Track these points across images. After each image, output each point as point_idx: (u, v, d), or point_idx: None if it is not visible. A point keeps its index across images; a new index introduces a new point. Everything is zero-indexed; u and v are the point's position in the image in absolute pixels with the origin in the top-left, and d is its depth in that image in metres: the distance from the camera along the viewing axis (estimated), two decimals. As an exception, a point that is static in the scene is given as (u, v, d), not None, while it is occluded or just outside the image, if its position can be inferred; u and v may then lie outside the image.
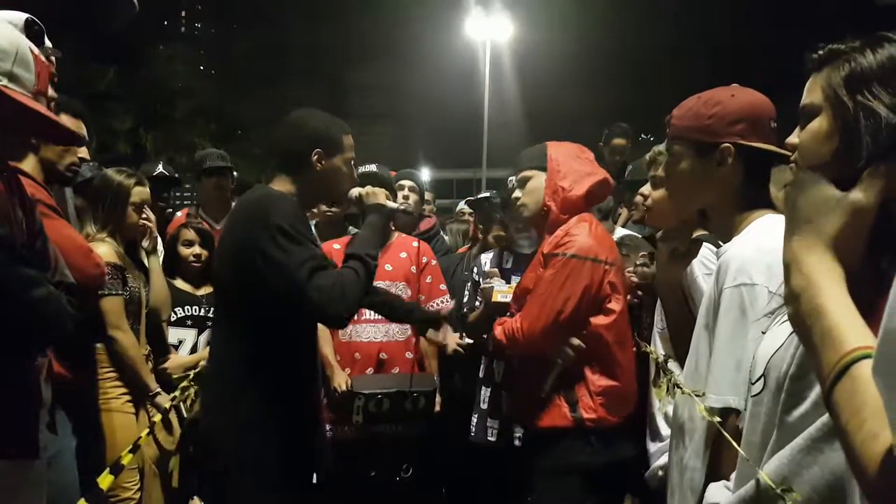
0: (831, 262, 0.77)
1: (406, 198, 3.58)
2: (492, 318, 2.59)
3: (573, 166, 2.44)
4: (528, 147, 2.62)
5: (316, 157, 2.11)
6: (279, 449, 1.99)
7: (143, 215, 2.95)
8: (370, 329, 3.07)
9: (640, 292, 2.52)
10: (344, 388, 2.93)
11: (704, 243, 1.87)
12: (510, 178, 2.78)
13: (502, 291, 2.80)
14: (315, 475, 2.20)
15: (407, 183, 3.68)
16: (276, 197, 2.04)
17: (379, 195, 2.26)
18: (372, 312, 3.07)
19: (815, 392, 0.89)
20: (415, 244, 3.24)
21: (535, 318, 2.32)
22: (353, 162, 2.23)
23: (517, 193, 2.52)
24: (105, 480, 2.12)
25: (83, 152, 2.46)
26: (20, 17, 1.61)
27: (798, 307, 0.77)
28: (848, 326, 0.71)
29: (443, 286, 3.32)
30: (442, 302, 3.28)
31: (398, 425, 2.96)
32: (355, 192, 2.28)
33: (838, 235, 0.79)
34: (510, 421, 2.83)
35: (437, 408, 3.06)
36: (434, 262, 3.30)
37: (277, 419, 2.00)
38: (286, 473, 2.00)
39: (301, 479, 2.07)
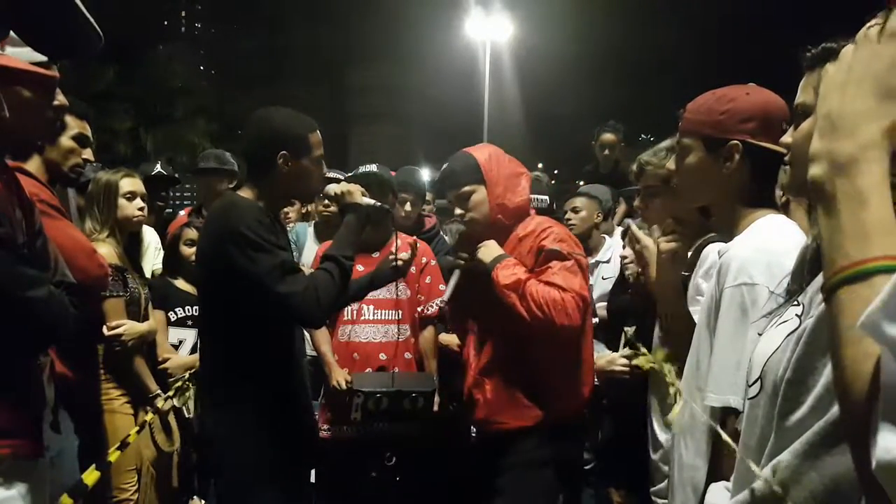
0: (888, 147, 0.67)
1: (408, 212, 3.59)
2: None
3: (504, 173, 2.48)
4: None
5: (282, 160, 2.08)
6: (269, 447, 2.04)
7: (139, 206, 2.95)
8: (368, 329, 3.06)
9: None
10: (343, 385, 2.94)
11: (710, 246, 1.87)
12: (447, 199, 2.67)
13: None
14: (311, 470, 2.23)
15: (408, 197, 3.67)
16: (240, 205, 2.04)
17: (354, 193, 2.24)
18: (370, 312, 3.06)
19: (813, 397, 0.89)
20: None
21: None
22: (322, 159, 2.20)
23: (460, 211, 2.50)
24: (90, 476, 2.13)
25: (88, 154, 2.46)
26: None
27: (833, 175, 0.67)
28: (886, 226, 0.64)
29: (442, 286, 3.32)
30: (441, 302, 3.28)
31: (396, 424, 2.96)
32: (331, 189, 2.27)
33: None
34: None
35: (436, 408, 3.06)
36: (434, 262, 3.30)
37: (264, 418, 2.04)
38: (278, 471, 2.04)
39: (294, 476, 2.11)
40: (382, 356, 3.05)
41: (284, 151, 2.08)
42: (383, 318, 3.07)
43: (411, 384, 2.93)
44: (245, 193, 2.12)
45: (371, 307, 3.06)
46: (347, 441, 2.96)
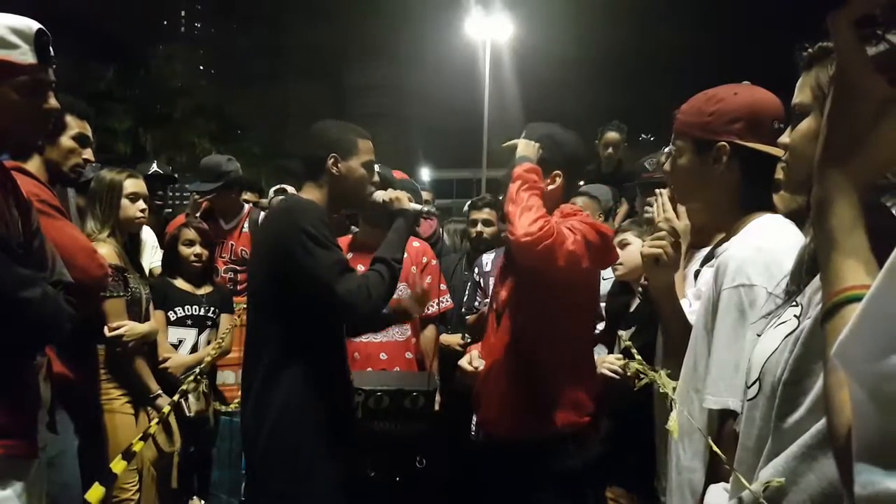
0: (852, 183, 0.73)
1: None
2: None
3: None
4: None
5: (332, 160, 2.22)
6: (312, 444, 2.09)
7: (141, 207, 2.93)
8: None
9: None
10: None
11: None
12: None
13: None
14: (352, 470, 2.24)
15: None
16: (303, 204, 2.18)
17: (402, 199, 2.35)
18: None
19: (810, 398, 0.89)
20: (415, 244, 3.25)
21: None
22: (372, 165, 2.32)
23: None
24: (118, 465, 2.12)
25: (88, 154, 2.46)
26: (31, 25, 1.59)
27: (815, 220, 0.76)
28: (853, 260, 0.71)
29: (443, 286, 3.33)
30: (443, 301, 3.28)
31: (397, 423, 2.95)
32: (379, 196, 2.35)
33: (881, 145, 0.72)
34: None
35: (437, 407, 3.06)
36: (434, 261, 3.31)
37: (310, 414, 2.10)
38: (319, 468, 2.08)
39: (334, 474, 2.13)
40: (383, 356, 3.06)
41: (334, 154, 2.22)
42: None
43: (412, 383, 2.93)
44: (305, 195, 2.25)
45: None
46: None
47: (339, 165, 2.22)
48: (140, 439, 2.41)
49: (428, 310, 3.23)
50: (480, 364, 2.36)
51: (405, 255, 3.19)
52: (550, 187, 2.25)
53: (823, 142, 0.76)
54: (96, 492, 2.00)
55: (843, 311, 0.68)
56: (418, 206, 2.41)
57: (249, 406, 2.18)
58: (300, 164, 2.33)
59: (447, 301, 3.30)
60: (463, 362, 2.43)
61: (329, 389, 2.16)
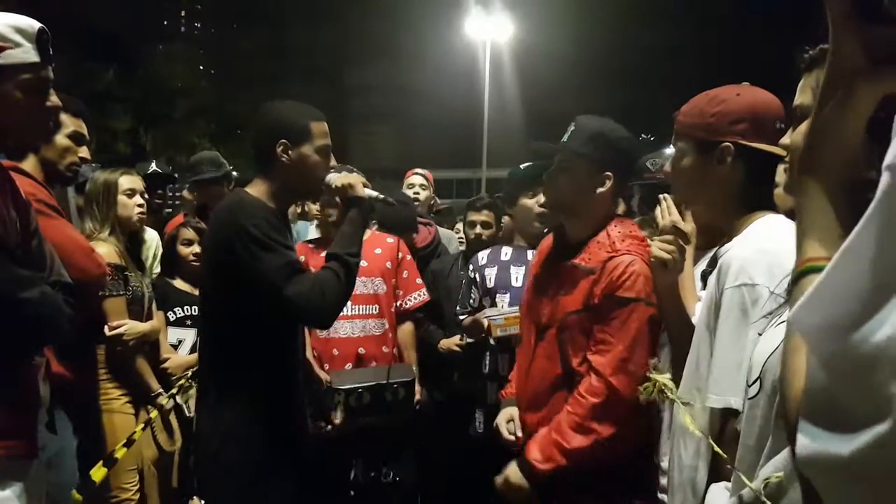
0: (827, 164, 0.75)
1: (417, 195, 3.56)
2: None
3: None
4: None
5: (281, 148, 2.01)
6: (262, 453, 1.98)
7: (139, 202, 2.94)
8: (347, 325, 3.05)
9: None
10: (322, 385, 2.94)
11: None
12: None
13: (500, 325, 2.75)
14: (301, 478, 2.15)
15: (417, 180, 3.64)
16: (246, 203, 1.99)
17: (356, 186, 2.13)
18: (348, 308, 2.99)
19: (809, 397, 0.90)
20: (389, 240, 3.24)
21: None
22: (328, 150, 2.12)
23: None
24: (98, 473, 2.11)
25: (84, 152, 2.45)
26: (32, 24, 1.60)
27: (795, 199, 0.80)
28: (815, 234, 0.74)
29: (419, 280, 3.32)
30: (419, 295, 3.28)
31: (381, 417, 2.94)
32: (333, 180, 2.15)
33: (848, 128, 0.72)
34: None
35: (418, 396, 3.07)
36: (409, 257, 3.31)
37: (260, 423, 1.99)
38: (268, 478, 1.99)
39: (284, 485, 2.03)
40: (361, 350, 3.06)
41: (284, 140, 2.01)
42: (361, 313, 3.08)
43: (390, 376, 2.93)
44: (253, 190, 2.05)
45: (349, 303, 3.03)
46: (330, 439, 2.90)
47: (289, 153, 2.01)
48: (123, 445, 2.40)
49: (405, 304, 3.23)
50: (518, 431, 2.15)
51: (379, 251, 3.19)
52: (600, 190, 2.06)
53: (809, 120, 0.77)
54: (99, 472, 2.01)
55: (802, 281, 0.71)
56: (374, 193, 2.17)
57: (202, 414, 2.06)
58: (253, 155, 2.11)
59: (423, 295, 3.29)
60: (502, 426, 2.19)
61: (283, 399, 2.05)
